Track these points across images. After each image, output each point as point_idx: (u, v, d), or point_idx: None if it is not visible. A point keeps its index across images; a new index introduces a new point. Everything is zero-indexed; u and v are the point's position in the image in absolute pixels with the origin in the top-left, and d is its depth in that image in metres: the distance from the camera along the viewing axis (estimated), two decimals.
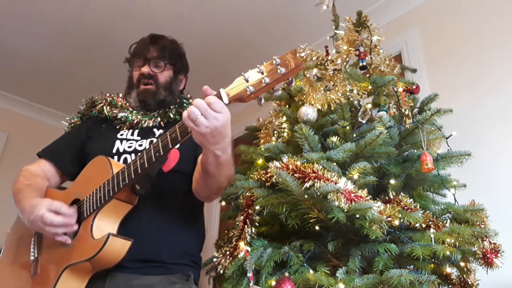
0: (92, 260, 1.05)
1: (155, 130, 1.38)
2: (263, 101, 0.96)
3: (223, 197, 1.56)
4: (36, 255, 1.21)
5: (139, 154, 1.11)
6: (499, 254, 1.17)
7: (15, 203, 1.23)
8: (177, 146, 1.30)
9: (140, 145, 1.32)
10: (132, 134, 1.37)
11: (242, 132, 1.91)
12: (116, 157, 1.29)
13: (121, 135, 1.37)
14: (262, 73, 0.93)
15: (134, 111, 1.41)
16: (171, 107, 1.42)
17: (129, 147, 1.33)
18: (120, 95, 1.50)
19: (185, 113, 0.95)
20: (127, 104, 1.45)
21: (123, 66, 1.52)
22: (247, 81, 0.94)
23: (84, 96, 1.54)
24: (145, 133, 1.37)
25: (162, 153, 1.04)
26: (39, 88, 3.56)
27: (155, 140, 1.16)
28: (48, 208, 1.11)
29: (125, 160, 1.29)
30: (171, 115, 1.40)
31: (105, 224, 1.11)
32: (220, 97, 0.96)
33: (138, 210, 1.18)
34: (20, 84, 3.50)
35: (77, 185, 1.27)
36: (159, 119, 1.39)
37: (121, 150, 1.32)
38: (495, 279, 1.25)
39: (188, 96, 1.51)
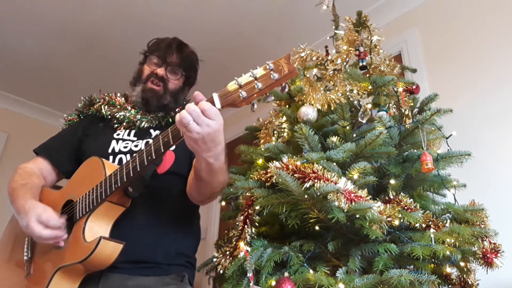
0: (83, 262, 1.05)
1: (151, 131, 1.38)
2: (255, 106, 0.95)
3: (223, 197, 1.56)
4: (29, 255, 1.22)
5: (132, 156, 1.10)
6: (499, 254, 1.17)
7: (11, 203, 1.23)
8: (172, 148, 1.31)
9: (136, 146, 1.32)
10: (129, 135, 1.37)
11: (242, 132, 1.91)
12: (111, 157, 1.29)
13: (118, 135, 1.37)
14: (255, 78, 0.92)
15: (133, 110, 1.40)
16: (171, 113, 1.42)
17: (125, 147, 1.32)
18: (119, 94, 1.49)
19: (177, 117, 0.94)
20: (125, 102, 1.44)
21: (123, 66, 1.52)
22: (240, 86, 0.93)
23: (84, 96, 1.54)
24: (142, 133, 1.37)
25: (154, 157, 1.03)
26: (39, 88, 3.57)
27: (151, 141, 1.16)
28: (37, 219, 1.11)
29: (120, 160, 1.28)
30: (170, 120, 1.40)
31: (97, 227, 1.11)
32: (212, 102, 0.95)
33: (133, 212, 1.17)
34: (20, 84, 3.50)
35: (71, 186, 1.27)
36: (157, 121, 1.39)
37: (116, 150, 1.31)
38: (495, 279, 1.25)
39: (189, 100, 1.51)
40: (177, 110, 1.43)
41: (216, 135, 0.97)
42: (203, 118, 0.93)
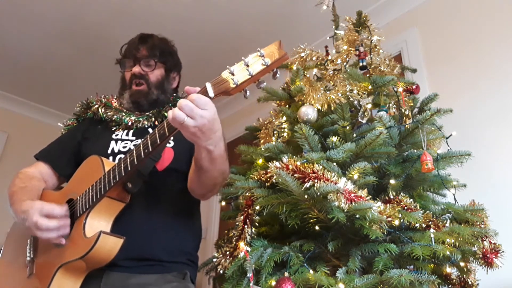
0: (84, 258, 1.05)
1: (149, 130, 1.38)
2: (248, 93, 0.96)
3: (223, 197, 1.56)
4: (32, 256, 1.22)
5: (129, 152, 1.11)
6: (499, 254, 1.17)
7: (10, 206, 1.24)
8: (171, 144, 1.31)
9: (135, 145, 1.32)
10: (127, 134, 1.37)
11: (242, 132, 1.91)
12: (111, 158, 1.30)
13: (116, 135, 1.37)
14: (247, 65, 0.94)
15: (129, 113, 1.41)
16: (165, 106, 1.42)
17: (124, 147, 1.33)
18: (115, 96, 1.50)
19: (170, 115, 0.95)
20: (121, 105, 1.46)
21: None
22: (233, 74, 0.94)
23: (84, 96, 1.54)
24: (140, 133, 1.37)
25: (150, 150, 1.04)
26: (39, 88, 3.57)
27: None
28: (40, 213, 1.11)
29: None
30: (166, 114, 1.40)
31: (97, 223, 1.11)
32: (205, 91, 0.96)
33: (133, 208, 1.18)
34: (20, 84, 3.50)
35: (71, 185, 1.28)
36: (153, 119, 1.40)
37: (116, 151, 1.32)
38: (495, 279, 1.25)
39: (184, 95, 1.51)
40: (170, 104, 1.44)
41: (212, 124, 0.99)
42: (196, 111, 0.94)
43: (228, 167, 1.22)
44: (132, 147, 1.32)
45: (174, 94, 1.50)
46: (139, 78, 1.41)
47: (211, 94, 0.96)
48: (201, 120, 0.95)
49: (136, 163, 1.07)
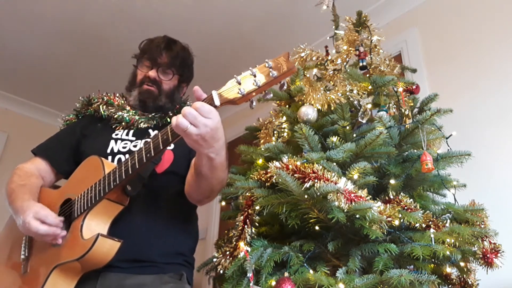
0: (80, 260, 1.05)
1: (150, 131, 1.37)
2: (254, 103, 0.96)
3: (223, 197, 1.56)
4: (26, 254, 1.21)
5: (130, 154, 1.10)
6: (499, 254, 1.17)
7: (9, 204, 1.23)
8: (171, 147, 1.31)
9: (135, 146, 1.32)
10: (127, 134, 1.36)
11: (242, 132, 1.91)
12: (110, 157, 1.29)
13: (116, 135, 1.36)
14: (255, 76, 0.94)
15: (131, 111, 1.41)
16: (169, 113, 1.42)
17: (124, 147, 1.32)
18: (117, 94, 1.49)
19: (173, 122, 0.94)
20: (124, 103, 1.45)
21: (123, 66, 1.52)
22: (239, 83, 0.94)
23: (82, 96, 1.53)
24: (140, 133, 1.36)
25: (153, 154, 1.04)
26: (39, 88, 3.57)
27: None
28: (34, 216, 1.11)
29: (119, 160, 1.28)
30: (168, 119, 1.39)
31: (95, 224, 1.11)
32: (211, 99, 0.96)
33: (131, 210, 1.18)
34: (20, 84, 3.50)
35: (70, 185, 1.27)
36: (155, 122, 1.39)
37: (115, 150, 1.31)
38: (495, 279, 1.25)
39: (188, 102, 1.50)
40: (175, 111, 1.43)
41: (215, 132, 0.98)
42: (199, 119, 0.94)
43: (227, 176, 1.22)
44: (132, 148, 1.31)
45: (182, 103, 1.48)
46: (152, 83, 1.39)
47: (217, 102, 0.96)
48: (204, 128, 0.95)
49: (137, 167, 1.07)
